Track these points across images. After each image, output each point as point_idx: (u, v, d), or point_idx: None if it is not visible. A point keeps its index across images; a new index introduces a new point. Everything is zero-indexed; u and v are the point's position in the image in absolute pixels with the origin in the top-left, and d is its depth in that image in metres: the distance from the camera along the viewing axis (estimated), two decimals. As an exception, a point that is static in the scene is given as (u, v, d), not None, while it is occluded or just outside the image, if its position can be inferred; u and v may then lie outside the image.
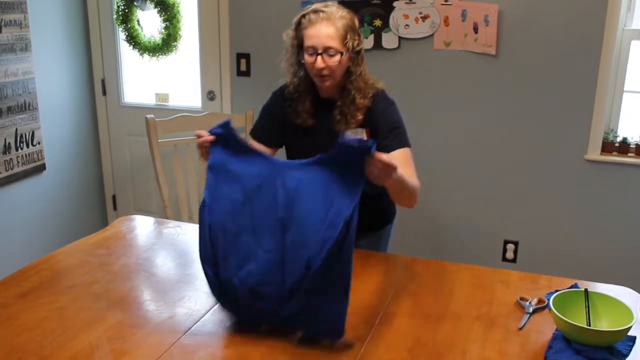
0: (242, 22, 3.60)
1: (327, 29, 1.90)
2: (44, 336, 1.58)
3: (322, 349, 1.55)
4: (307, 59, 1.95)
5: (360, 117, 2.01)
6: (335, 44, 1.91)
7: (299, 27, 1.97)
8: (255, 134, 2.19)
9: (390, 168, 1.55)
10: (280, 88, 2.17)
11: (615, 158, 3.08)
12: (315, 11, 1.93)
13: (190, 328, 1.64)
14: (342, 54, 1.93)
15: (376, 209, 2.22)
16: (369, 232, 2.26)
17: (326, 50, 1.91)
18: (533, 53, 3.09)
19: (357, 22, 1.99)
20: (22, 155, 3.48)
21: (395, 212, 2.36)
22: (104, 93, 4.05)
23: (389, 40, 3.29)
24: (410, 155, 2.00)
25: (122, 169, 4.16)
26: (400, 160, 1.84)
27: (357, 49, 1.97)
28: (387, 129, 2.00)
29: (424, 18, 3.20)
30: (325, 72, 1.94)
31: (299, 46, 1.99)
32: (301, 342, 1.58)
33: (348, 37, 1.93)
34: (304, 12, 1.96)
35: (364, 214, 2.11)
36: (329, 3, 2.00)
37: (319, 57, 1.92)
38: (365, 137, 1.99)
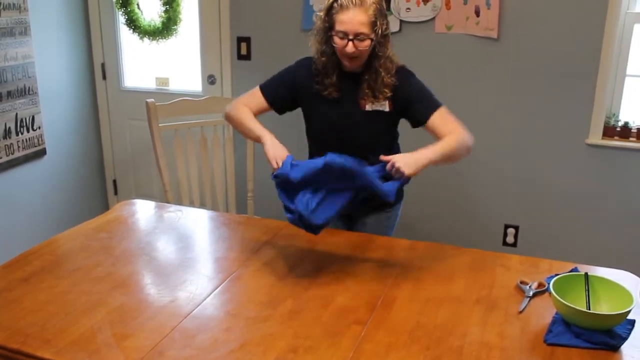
0: (242, 6, 3.58)
1: (359, 16, 1.96)
2: (46, 320, 1.59)
3: (323, 332, 1.56)
4: (338, 42, 2.01)
5: (388, 93, 2.09)
6: (366, 29, 1.98)
7: (330, 11, 2.02)
8: (266, 88, 2.22)
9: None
10: (307, 60, 2.21)
11: (616, 142, 3.08)
12: None
13: (192, 312, 1.65)
14: (372, 39, 2.00)
15: None
16: (377, 212, 2.28)
17: (357, 36, 1.98)
18: (535, 37, 3.07)
19: (384, 5, 2.05)
20: (22, 140, 3.48)
21: (402, 193, 2.40)
22: (104, 77, 4.03)
23: (390, 23, 3.25)
24: (446, 112, 2.10)
25: (122, 154, 4.16)
26: (440, 120, 2.06)
27: (385, 32, 2.04)
28: (416, 98, 2.12)
29: (426, 1, 3.18)
30: (355, 54, 2.01)
31: (329, 28, 2.04)
32: (302, 326, 1.59)
33: (378, 23, 2.00)
34: None
35: (374, 194, 2.17)
36: None
37: (350, 43, 1.98)
38: (387, 109, 2.13)
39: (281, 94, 2.21)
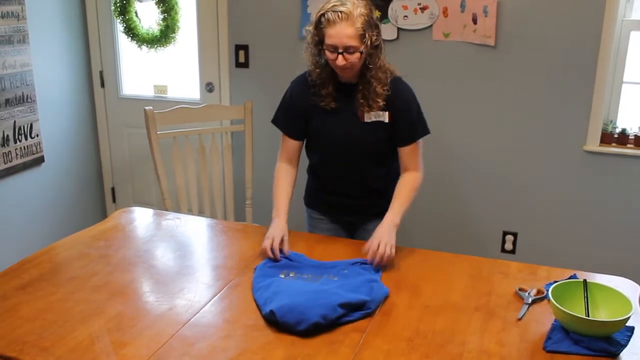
0: (240, 13, 3.59)
1: (346, 30, 1.95)
2: (44, 328, 1.59)
3: (321, 340, 1.56)
4: (329, 55, 2.02)
5: (382, 103, 2.09)
6: (354, 42, 1.96)
7: (319, 25, 2.01)
8: (289, 132, 2.26)
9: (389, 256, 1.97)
10: (300, 76, 2.23)
11: (614, 149, 3.08)
12: (334, 10, 1.95)
13: (190, 319, 1.65)
14: (361, 52, 1.99)
15: (385, 193, 2.23)
16: (378, 219, 2.28)
17: (346, 49, 1.97)
18: (532, 44, 3.08)
19: (374, 15, 2.03)
20: (20, 148, 3.47)
21: None
22: (102, 85, 4.04)
23: (387, 31, 3.28)
24: (417, 147, 2.18)
25: (121, 161, 4.16)
26: (409, 153, 2.17)
27: (376, 43, 2.03)
28: (406, 121, 2.15)
29: (423, 9, 3.19)
30: (347, 66, 2.02)
31: (320, 42, 2.04)
32: (299, 333, 1.58)
33: (367, 35, 1.98)
34: (322, 11, 1.99)
35: (374, 198, 2.18)
36: None
37: (340, 56, 1.98)
38: (387, 120, 2.13)
39: (297, 124, 2.23)
